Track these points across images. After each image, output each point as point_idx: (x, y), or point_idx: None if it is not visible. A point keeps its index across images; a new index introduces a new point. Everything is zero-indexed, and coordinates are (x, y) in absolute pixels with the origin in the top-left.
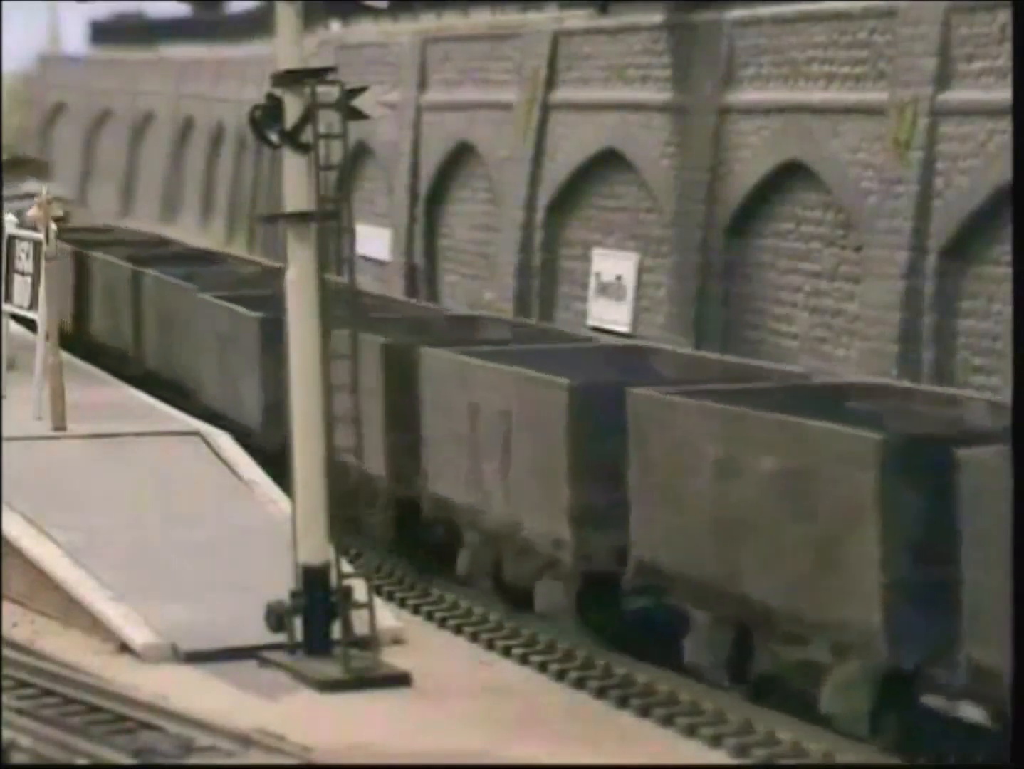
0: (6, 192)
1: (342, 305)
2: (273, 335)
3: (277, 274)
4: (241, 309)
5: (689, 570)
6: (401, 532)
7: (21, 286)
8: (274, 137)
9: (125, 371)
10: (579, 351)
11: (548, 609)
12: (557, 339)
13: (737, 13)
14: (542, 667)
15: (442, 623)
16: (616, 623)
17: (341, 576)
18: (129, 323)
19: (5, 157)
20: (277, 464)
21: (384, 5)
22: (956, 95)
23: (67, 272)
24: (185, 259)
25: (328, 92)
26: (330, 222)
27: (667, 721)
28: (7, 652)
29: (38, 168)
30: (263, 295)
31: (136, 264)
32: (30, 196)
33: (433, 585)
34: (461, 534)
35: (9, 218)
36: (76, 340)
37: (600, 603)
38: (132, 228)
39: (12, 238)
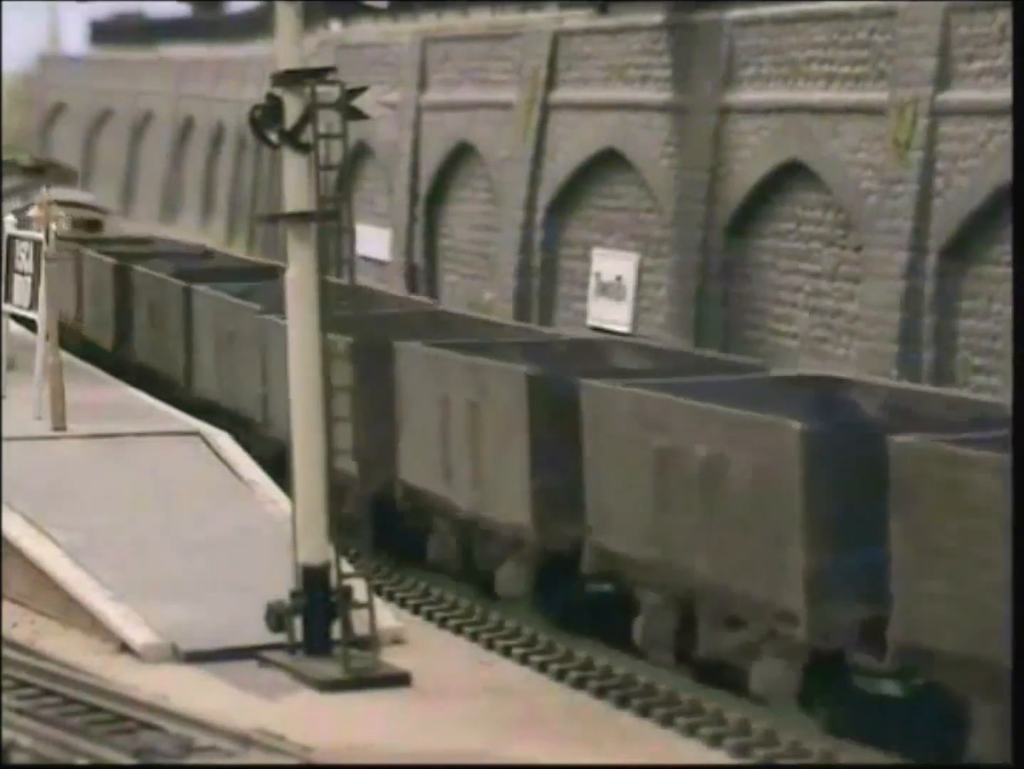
0: (31, 198)
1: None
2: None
3: (340, 292)
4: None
5: (968, 649)
6: (541, 586)
7: (21, 286)
8: (274, 137)
9: (174, 397)
10: (760, 382)
11: (764, 690)
12: (711, 368)
13: (737, 13)
14: (542, 667)
15: (442, 623)
16: (845, 705)
17: (341, 576)
18: (180, 345)
19: (27, 161)
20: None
21: (384, 5)
22: (956, 95)
23: (106, 288)
24: (236, 273)
25: (328, 92)
26: (330, 222)
27: (667, 721)
28: (7, 652)
29: (62, 174)
30: (339, 319)
31: (185, 279)
32: (59, 204)
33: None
34: (635, 596)
35: (9, 219)
36: (118, 363)
37: (827, 684)
38: (172, 238)
39: (12, 238)
